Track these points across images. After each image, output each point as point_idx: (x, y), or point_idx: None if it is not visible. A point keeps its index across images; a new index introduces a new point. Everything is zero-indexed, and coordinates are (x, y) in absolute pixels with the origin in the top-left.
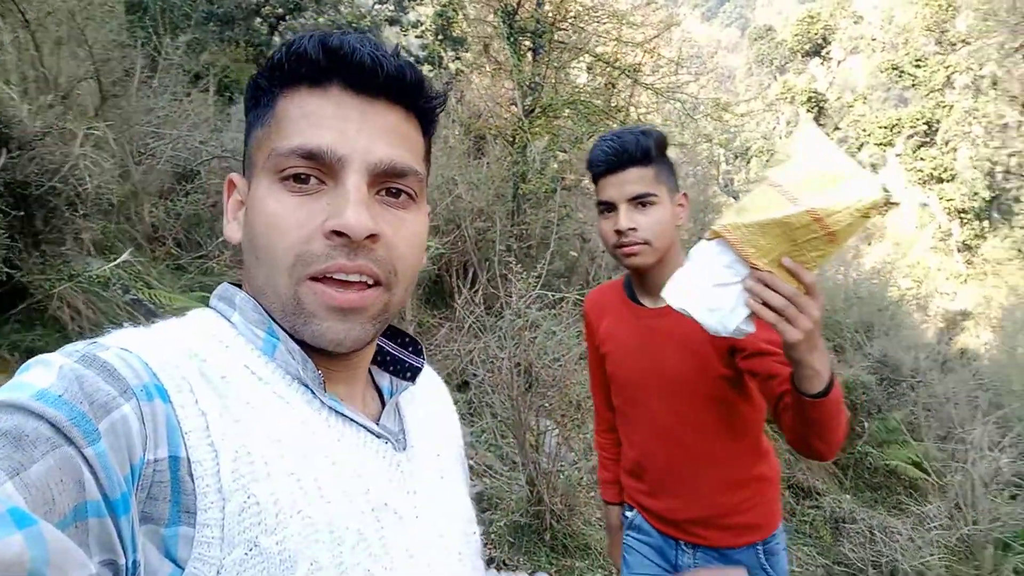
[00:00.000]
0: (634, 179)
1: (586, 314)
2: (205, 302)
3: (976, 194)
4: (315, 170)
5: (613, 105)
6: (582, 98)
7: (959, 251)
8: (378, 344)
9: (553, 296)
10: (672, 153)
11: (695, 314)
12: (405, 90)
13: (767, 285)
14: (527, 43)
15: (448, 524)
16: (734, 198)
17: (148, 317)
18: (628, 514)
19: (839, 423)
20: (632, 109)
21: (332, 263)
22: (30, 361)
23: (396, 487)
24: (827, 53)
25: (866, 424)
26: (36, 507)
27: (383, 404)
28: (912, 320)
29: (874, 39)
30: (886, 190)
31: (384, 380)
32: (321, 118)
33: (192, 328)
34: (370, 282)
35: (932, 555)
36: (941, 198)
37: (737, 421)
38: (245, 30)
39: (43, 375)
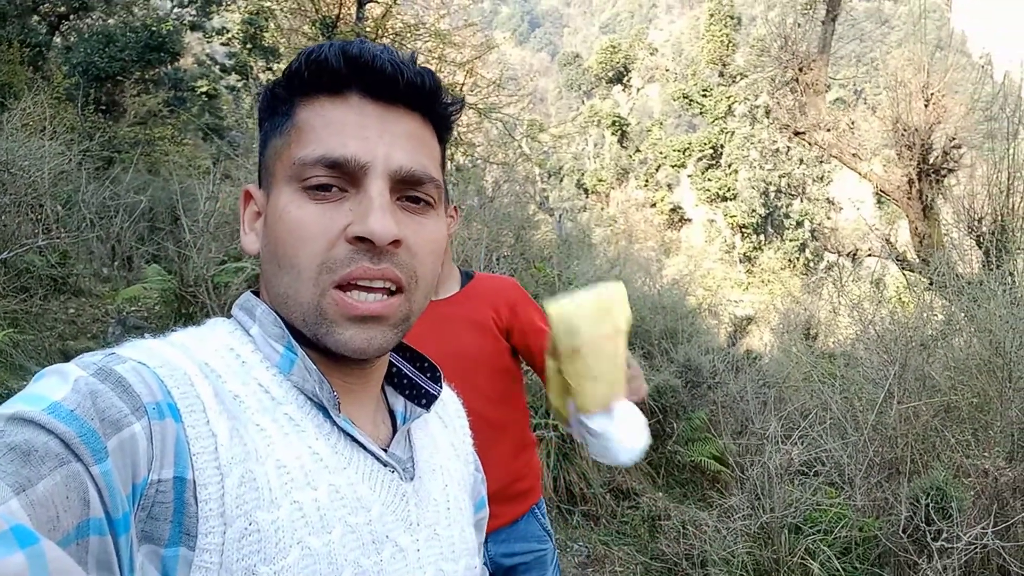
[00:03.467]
0: None
1: None
2: None
3: (754, 211)
4: (337, 178)
5: None
6: None
7: (741, 262)
8: (396, 366)
9: None
10: (493, 171)
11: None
12: (423, 97)
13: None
14: None
15: (450, 559)
16: (549, 214)
17: None
18: None
19: None
20: (454, 127)
21: (356, 267)
22: (46, 369)
23: (399, 519)
24: (628, 81)
25: (675, 424)
26: (40, 524)
27: (395, 428)
28: (708, 326)
29: (667, 70)
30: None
31: (398, 403)
32: (343, 126)
33: (211, 340)
34: (392, 288)
35: (736, 543)
36: (726, 215)
37: (516, 388)
38: (20, 28)
39: (57, 387)
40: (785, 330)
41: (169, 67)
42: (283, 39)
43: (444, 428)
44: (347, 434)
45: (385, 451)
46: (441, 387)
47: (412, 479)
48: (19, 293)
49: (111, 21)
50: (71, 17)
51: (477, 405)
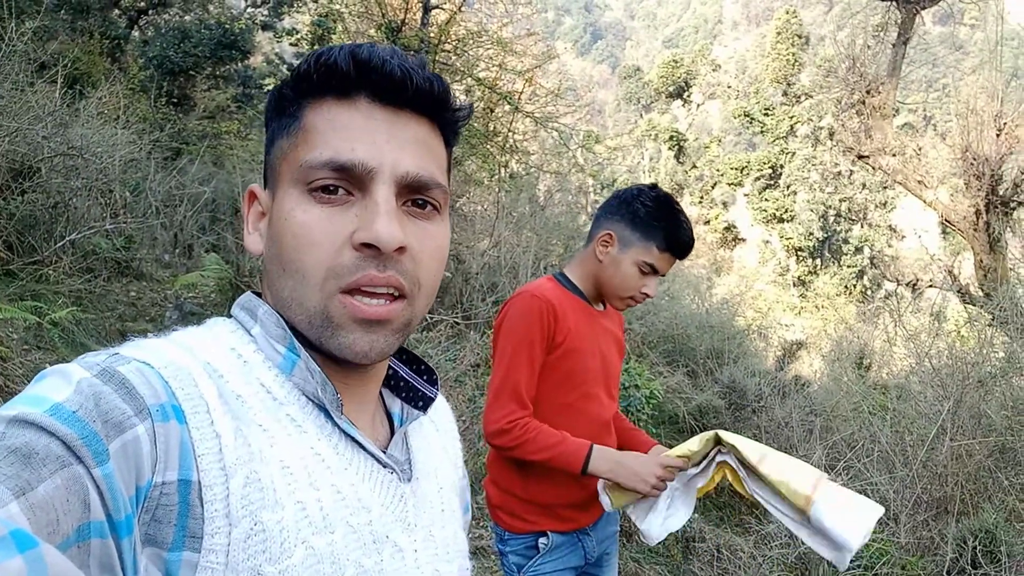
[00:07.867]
0: None
1: (551, 309)
2: (36, 312)
3: (811, 234)
4: (344, 181)
5: (491, 129)
6: None
7: (795, 285)
8: (393, 368)
9: (429, 319)
10: (547, 180)
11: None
12: (432, 103)
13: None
14: None
15: (445, 560)
16: None
17: None
18: (542, 540)
19: None
20: (510, 135)
21: (363, 275)
22: (48, 369)
23: (398, 519)
24: (688, 96)
25: None
26: (39, 528)
27: (392, 429)
28: (756, 348)
29: (729, 87)
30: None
31: (395, 406)
32: (350, 130)
33: (212, 340)
34: (396, 294)
35: (772, 572)
36: (781, 236)
37: None
38: (101, 21)
39: (60, 388)
40: (837, 358)
41: (239, 64)
42: (349, 41)
43: (437, 432)
44: (347, 435)
45: (384, 452)
46: (437, 389)
47: (410, 480)
48: (84, 273)
49: (187, 18)
50: (150, 12)
51: (609, 415)
